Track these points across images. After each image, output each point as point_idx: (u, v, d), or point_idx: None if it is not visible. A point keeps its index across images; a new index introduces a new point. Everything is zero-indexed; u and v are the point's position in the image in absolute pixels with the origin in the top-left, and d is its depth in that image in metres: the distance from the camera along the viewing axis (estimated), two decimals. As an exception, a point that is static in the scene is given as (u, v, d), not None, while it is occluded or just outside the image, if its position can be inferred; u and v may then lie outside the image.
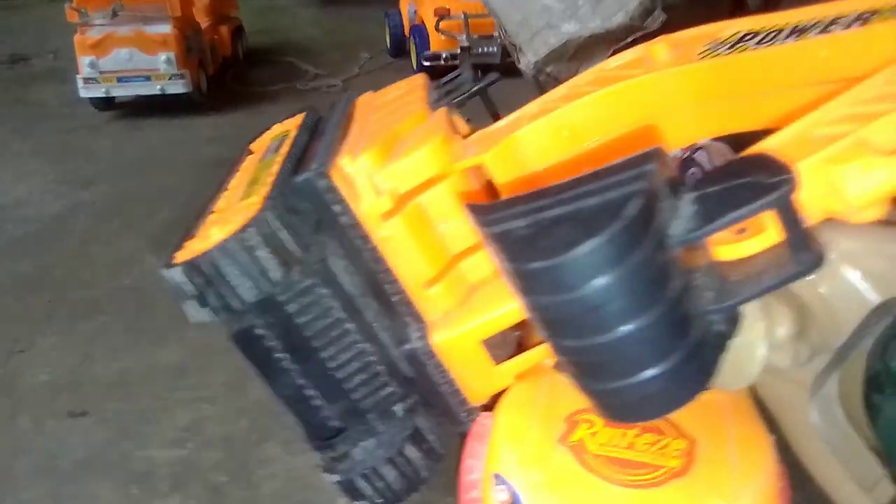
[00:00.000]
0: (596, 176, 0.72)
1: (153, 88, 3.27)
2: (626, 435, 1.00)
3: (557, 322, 0.72)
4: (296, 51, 4.42)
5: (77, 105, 3.38)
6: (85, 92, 3.25)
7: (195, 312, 0.99)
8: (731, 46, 0.98)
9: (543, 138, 1.04)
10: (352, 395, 1.10)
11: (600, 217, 0.67)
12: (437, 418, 1.13)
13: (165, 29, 3.24)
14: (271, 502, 1.16)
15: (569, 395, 0.97)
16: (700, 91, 0.98)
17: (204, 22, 3.78)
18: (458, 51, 3.65)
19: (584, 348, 0.74)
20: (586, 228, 0.67)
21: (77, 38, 3.19)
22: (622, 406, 0.78)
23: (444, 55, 3.68)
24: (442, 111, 1.17)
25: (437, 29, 3.66)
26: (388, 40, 4.32)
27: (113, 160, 2.86)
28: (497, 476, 0.98)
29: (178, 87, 3.28)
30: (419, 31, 3.80)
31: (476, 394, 1.12)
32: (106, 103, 3.40)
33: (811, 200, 0.68)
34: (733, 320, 0.80)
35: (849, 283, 0.92)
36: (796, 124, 0.74)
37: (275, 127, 1.46)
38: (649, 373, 0.73)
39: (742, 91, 0.95)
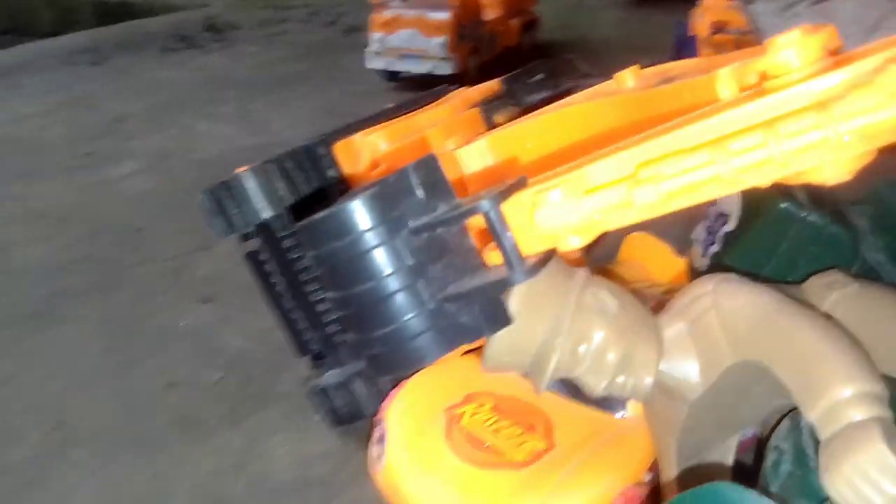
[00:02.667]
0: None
1: (424, 67, 3.77)
2: (498, 422, 1.12)
3: (320, 277, 0.92)
4: (583, 50, 4.62)
5: (373, 75, 4.02)
6: (370, 63, 3.87)
7: (215, 231, 1.34)
8: (666, 81, 1.02)
9: (507, 144, 1.18)
10: (327, 328, 1.35)
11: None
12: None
13: (444, 15, 3.70)
14: (280, 397, 1.48)
15: (488, 378, 1.13)
16: (627, 119, 1.03)
17: (494, 13, 4.19)
18: (725, 67, 3.55)
19: (336, 300, 0.93)
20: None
21: (372, 15, 3.82)
22: (372, 358, 0.96)
23: (707, 70, 3.61)
24: (471, 111, 1.36)
25: (707, 42, 3.60)
26: (673, 48, 4.31)
27: (368, 123, 3.41)
28: (383, 417, 1.17)
29: (445, 69, 3.73)
30: (691, 41, 3.75)
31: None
32: (391, 75, 4.00)
33: (522, 222, 0.79)
34: (492, 318, 0.92)
35: (710, 333, 0.93)
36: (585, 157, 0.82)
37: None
38: (381, 331, 0.90)
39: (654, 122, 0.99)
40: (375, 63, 3.86)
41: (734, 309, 0.91)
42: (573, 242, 0.78)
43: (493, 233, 0.80)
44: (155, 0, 6.09)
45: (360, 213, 0.84)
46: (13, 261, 1.98)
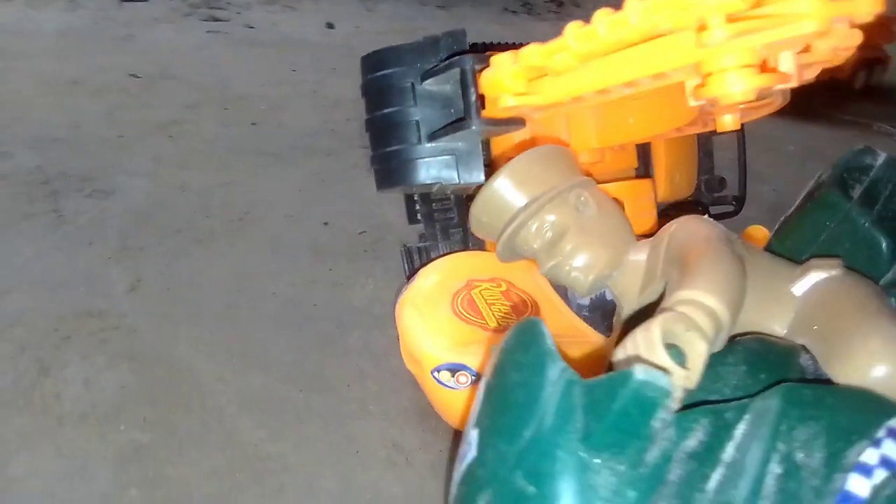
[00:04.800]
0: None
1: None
2: (499, 300, 1.31)
3: (364, 99, 1.22)
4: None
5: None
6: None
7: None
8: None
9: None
10: (433, 205, 1.62)
11: None
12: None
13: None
14: (392, 258, 1.80)
15: (521, 276, 1.35)
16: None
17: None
18: None
19: (367, 120, 1.23)
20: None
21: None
22: (377, 172, 1.24)
23: None
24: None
25: None
26: None
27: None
28: (416, 275, 1.41)
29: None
30: None
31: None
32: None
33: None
34: (465, 168, 1.15)
35: (656, 256, 1.04)
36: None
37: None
38: (385, 150, 1.18)
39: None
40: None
41: (680, 235, 1.01)
42: (508, 102, 0.97)
43: (463, 85, 1.03)
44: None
45: (394, 55, 1.12)
46: (281, 121, 2.56)
